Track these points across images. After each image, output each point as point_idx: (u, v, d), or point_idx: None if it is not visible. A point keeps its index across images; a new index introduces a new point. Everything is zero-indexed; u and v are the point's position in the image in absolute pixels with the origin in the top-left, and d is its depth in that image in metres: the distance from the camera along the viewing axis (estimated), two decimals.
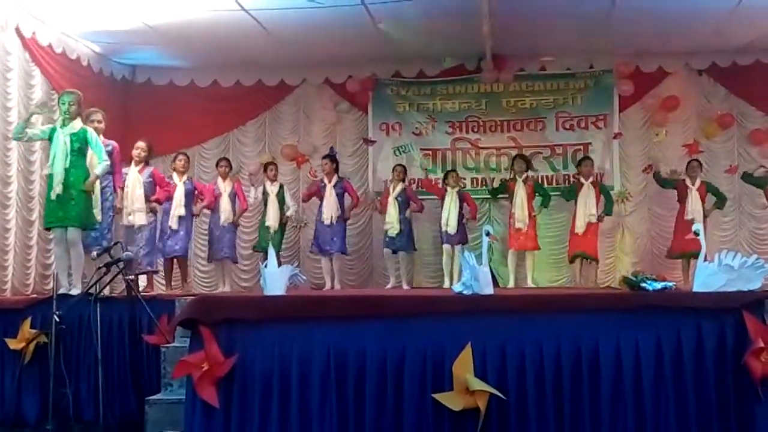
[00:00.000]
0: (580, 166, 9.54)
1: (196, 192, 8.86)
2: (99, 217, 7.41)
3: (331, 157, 9.82)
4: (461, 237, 9.41)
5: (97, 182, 7.22)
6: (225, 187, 9.16)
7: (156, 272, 8.67)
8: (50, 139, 7.03)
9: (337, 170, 9.66)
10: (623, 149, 10.36)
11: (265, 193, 9.59)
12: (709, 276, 3.89)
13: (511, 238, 9.34)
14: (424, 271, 10.43)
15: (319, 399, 3.64)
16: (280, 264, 5.85)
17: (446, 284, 9.30)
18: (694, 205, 9.04)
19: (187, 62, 10.34)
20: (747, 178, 9.19)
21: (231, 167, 9.53)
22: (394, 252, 9.58)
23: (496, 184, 10.16)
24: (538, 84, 10.50)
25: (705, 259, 4.07)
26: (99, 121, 7.59)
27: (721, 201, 9.25)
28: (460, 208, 9.44)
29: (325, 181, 9.55)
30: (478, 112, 10.59)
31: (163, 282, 9.10)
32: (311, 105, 10.92)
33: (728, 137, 10.24)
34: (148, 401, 5.33)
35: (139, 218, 8.01)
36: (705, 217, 9.03)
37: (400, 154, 10.60)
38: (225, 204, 9.08)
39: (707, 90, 10.32)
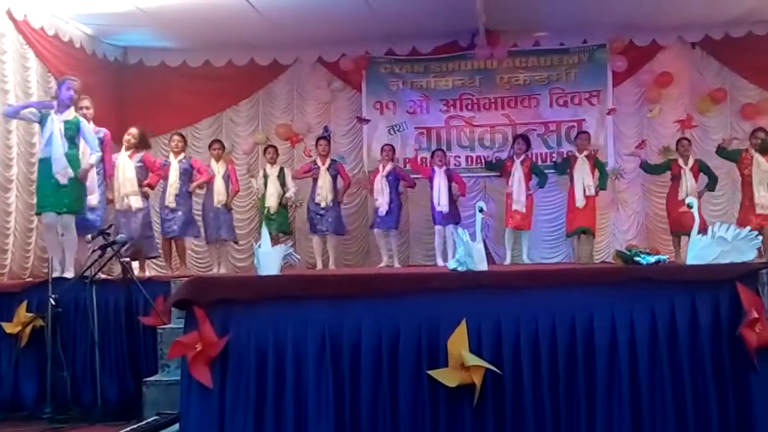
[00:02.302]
0: (577, 140, 9.54)
1: (194, 171, 8.85)
2: (96, 202, 7.43)
3: (327, 138, 9.82)
4: (453, 216, 9.39)
5: (93, 169, 7.24)
6: (218, 168, 9.15)
7: (156, 257, 8.66)
8: (40, 123, 7.02)
9: (330, 151, 9.67)
10: (617, 125, 10.34)
11: (265, 176, 9.58)
12: (703, 248, 3.89)
13: (508, 217, 9.35)
14: (419, 249, 10.45)
15: (315, 378, 3.64)
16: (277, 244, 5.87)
17: (439, 264, 9.32)
18: (689, 184, 9.00)
19: (179, 43, 10.28)
20: (721, 152, 9.13)
21: (224, 149, 9.52)
22: (385, 230, 9.58)
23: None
24: (532, 60, 10.46)
25: (698, 232, 4.07)
26: (87, 108, 7.57)
27: (712, 182, 9.23)
28: (450, 186, 9.43)
29: (319, 162, 9.53)
30: (472, 89, 10.56)
31: (161, 264, 9.11)
32: (304, 84, 10.88)
33: (721, 111, 10.22)
34: (145, 382, 5.37)
35: (135, 201, 8.01)
36: (698, 198, 9.01)
37: (395, 132, 10.58)
38: (219, 186, 9.09)
39: (700, 64, 10.29)
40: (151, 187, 8.31)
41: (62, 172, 6.79)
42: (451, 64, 10.55)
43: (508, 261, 9.39)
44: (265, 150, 9.85)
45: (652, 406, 3.56)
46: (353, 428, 3.61)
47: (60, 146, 6.82)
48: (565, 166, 9.47)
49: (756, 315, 3.53)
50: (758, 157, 8.68)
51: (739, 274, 3.66)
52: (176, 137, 8.89)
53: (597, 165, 9.37)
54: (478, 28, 9.73)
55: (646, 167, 9.53)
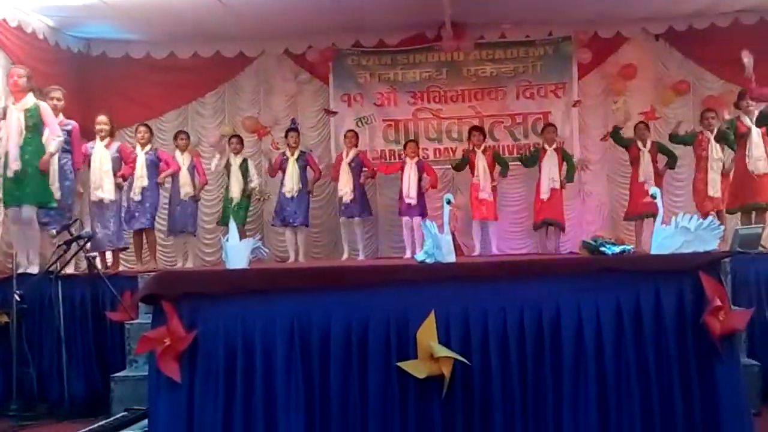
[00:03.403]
0: (544, 133, 9.62)
1: (161, 162, 8.76)
2: (57, 195, 7.32)
3: (296, 129, 9.80)
4: (420, 209, 9.40)
5: (54, 159, 7.12)
6: (184, 160, 9.10)
7: (126, 248, 8.58)
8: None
9: (299, 143, 9.65)
10: (582, 117, 10.44)
11: (228, 165, 9.53)
12: (666, 238, 3.93)
13: (474, 209, 9.40)
14: (388, 241, 10.47)
15: (284, 371, 3.63)
16: (243, 237, 5.85)
17: (407, 255, 9.35)
18: (646, 166, 9.14)
19: (143, 35, 10.19)
20: (675, 138, 9.26)
21: (189, 140, 9.47)
22: (350, 218, 9.58)
23: (458, 155, 10.20)
24: (498, 52, 10.53)
25: (662, 222, 4.13)
26: (59, 99, 7.49)
27: (672, 160, 9.37)
28: (420, 178, 9.45)
29: (288, 153, 9.51)
30: (439, 81, 10.60)
31: (132, 258, 9.04)
32: (271, 76, 10.85)
33: (684, 103, 10.36)
34: (113, 378, 5.33)
35: (109, 193, 7.92)
36: (660, 176, 9.14)
37: (363, 125, 10.59)
38: (184, 177, 9.05)
39: (664, 56, 10.43)
40: (124, 178, 8.23)
41: (12, 165, 6.70)
42: (419, 56, 10.59)
43: (477, 253, 9.44)
44: (229, 139, 9.81)
45: (618, 394, 3.60)
46: (323, 420, 3.62)
47: (15, 139, 6.72)
48: (534, 158, 9.54)
49: (719, 303, 3.58)
50: (713, 143, 8.80)
51: (703, 264, 3.70)
52: (142, 128, 8.83)
53: (564, 157, 9.46)
54: (444, 21, 9.75)
55: (616, 136, 9.55)
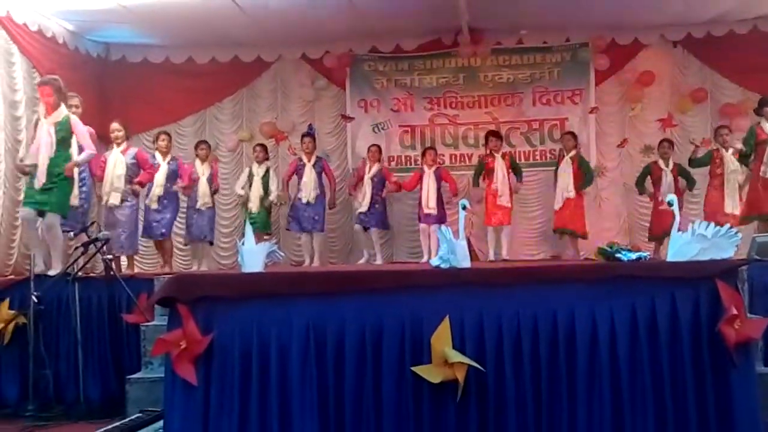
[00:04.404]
0: (562, 140, 9.60)
1: (179, 172, 8.82)
2: (76, 201, 7.38)
3: (312, 135, 9.83)
4: (440, 217, 9.38)
5: (76, 168, 7.19)
6: (204, 170, 9.15)
7: (136, 253, 8.62)
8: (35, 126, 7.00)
9: (315, 148, 9.67)
10: (599, 124, 10.40)
11: (250, 175, 9.56)
12: (683, 245, 3.91)
13: (490, 215, 9.36)
14: (404, 246, 10.47)
15: (299, 375, 3.64)
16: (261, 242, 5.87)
17: (424, 260, 9.34)
18: (668, 187, 9.05)
19: (162, 40, 10.25)
20: (694, 162, 9.19)
21: (210, 149, 9.52)
22: (366, 229, 9.59)
23: (474, 160, 10.18)
24: (515, 58, 10.52)
25: (678, 229, 4.11)
26: (77, 106, 7.55)
27: (691, 183, 9.33)
28: (438, 186, 9.44)
29: (305, 160, 9.53)
30: (456, 87, 10.59)
31: (146, 262, 9.08)
32: (288, 81, 10.89)
33: (701, 110, 10.31)
34: (128, 380, 5.34)
35: (114, 198, 7.95)
36: (680, 193, 9.06)
37: (379, 131, 10.59)
38: (203, 187, 9.10)
39: (682, 63, 10.37)
40: (142, 185, 8.24)
41: (41, 178, 6.76)
42: (435, 62, 10.59)
43: (491, 257, 9.42)
44: (253, 148, 9.84)
45: (633, 401, 3.59)
46: (338, 424, 3.63)
47: (45, 153, 6.78)
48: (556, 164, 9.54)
49: (735, 312, 3.56)
50: (727, 158, 8.71)
51: (719, 271, 3.68)
52: (164, 136, 8.81)
53: (581, 164, 9.41)
54: (461, 26, 9.76)
55: (692, 163, 9.33)
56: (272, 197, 9.51)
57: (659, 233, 9.07)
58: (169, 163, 8.64)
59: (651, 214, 9.49)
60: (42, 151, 6.78)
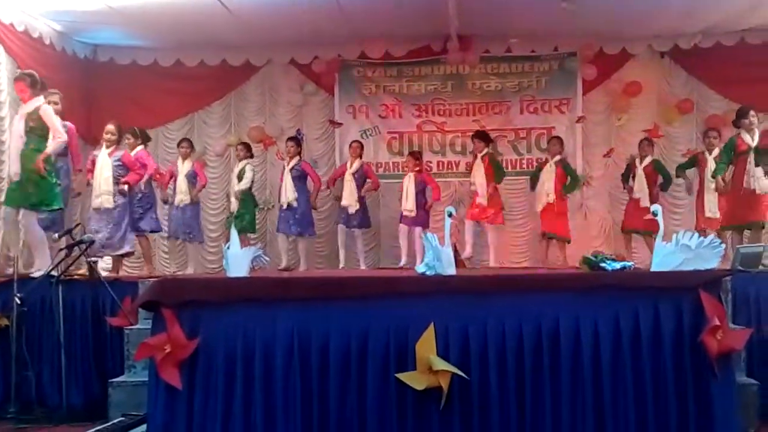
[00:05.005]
0: (549, 145, 9.65)
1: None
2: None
3: (296, 139, 9.81)
4: (420, 220, 9.40)
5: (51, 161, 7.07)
6: (183, 168, 9.17)
7: (128, 254, 8.57)
8: None
9: (300, 153, 9.64)
10: (586, 133, 10.45)
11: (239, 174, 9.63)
12: (667, 255, 3.94)
13: (470, 210, 9.45)
14: (389, 252, 10.44)
15: (283, 380, 3.65)
16: (247, 246, 5.86)
17: (402, 262, 9.35)
18: (640, 182, 9.18)
19: (150, 42, 10.21)
20: (683, 165, 9.28)
21: (193, 148, 9.53)
22: (349, 228, 9.59)
23: (461, 168, 10.22)
24: (503, 66, 10.55)
25: (663, 240, 4.13)
26: (56, 103, 7.46)
27: (666, 182, 9.36)
28: (421, 191, 9.45)
29: (284, 163, 9.53)
30: (444, 94, 10.62)
31: (131, 264, 9.06)
32: (277, 86, 10.87)
33: (687, 121, 10.37)
34: (111, 383, 5.31)
35: (106, 201, 7.92)
36: (654, 198, 9.12)
37: (367, 137, 10.59)
38: (181, 184, 9.12)
39: (668, 74, 10.43)
40: (129, 185, 8.19)
41: (10, 171, 6.75)
42: (424, 69, 10.60)
43: (468, 253, 9.40)
44: (236, 147, 10.01)
45: (615, 409, 3.61)
46: (321, 429, 3.63)
47: (15, 145, 6.75)
48: (535, 179, 9.57)
49: (718, 322, 3.59)
50: (710, 163, 8.75)
51: (703, 282, 3.71)
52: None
53: (567, 170, 9.45)
54: (450, 33, 9.77)
55: (679, 168, 9.36)
56: (243, 185, 9.48)
57: (629, 227, 9.33)
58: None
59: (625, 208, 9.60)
60: (13, 142, 6.76)
